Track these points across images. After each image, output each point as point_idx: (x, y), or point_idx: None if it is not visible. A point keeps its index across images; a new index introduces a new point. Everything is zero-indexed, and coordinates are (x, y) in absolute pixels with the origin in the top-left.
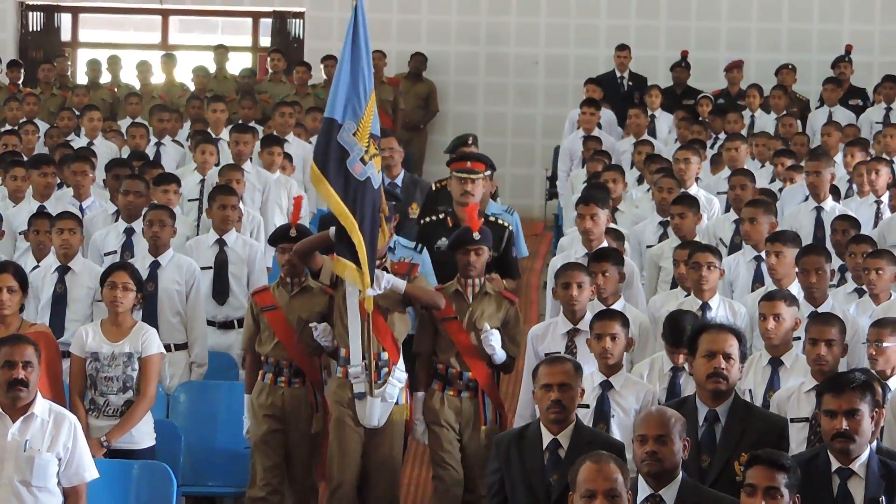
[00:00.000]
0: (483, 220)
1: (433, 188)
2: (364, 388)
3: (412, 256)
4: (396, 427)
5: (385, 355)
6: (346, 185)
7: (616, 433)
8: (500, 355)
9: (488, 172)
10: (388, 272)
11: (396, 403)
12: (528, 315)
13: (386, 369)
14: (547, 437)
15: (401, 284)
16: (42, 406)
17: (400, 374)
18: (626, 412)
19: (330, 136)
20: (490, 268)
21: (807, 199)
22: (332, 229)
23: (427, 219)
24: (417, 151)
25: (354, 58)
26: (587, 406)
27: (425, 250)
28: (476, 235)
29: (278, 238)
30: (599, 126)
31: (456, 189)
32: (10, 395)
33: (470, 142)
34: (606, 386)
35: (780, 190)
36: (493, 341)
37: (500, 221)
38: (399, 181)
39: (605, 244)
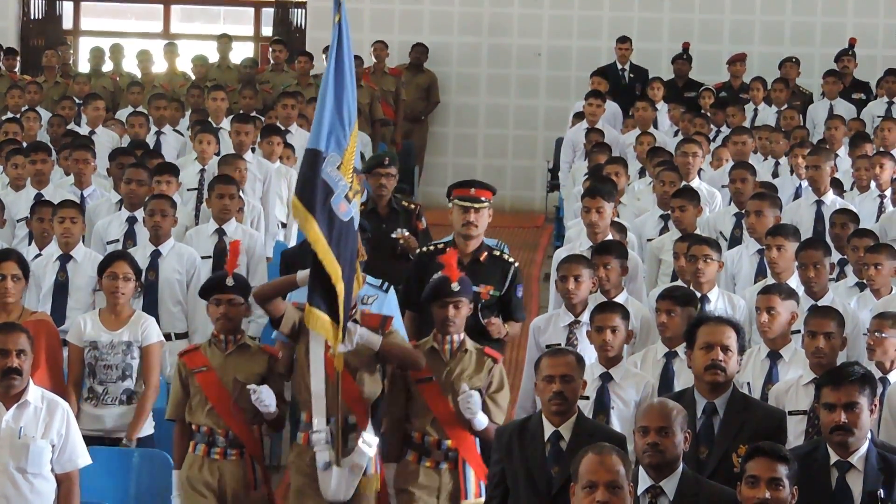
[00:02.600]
0: (487, 253)
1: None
2: (329, 457)
3: (377, 295)
4: (365, 501)
5: (353, 419)
6: (331, 227)
7: (616, 425)
8: (480, 420)
9: (489, 202)
10: (358, 324)
11: (365, 474)
12: (528, 307)
13: (354, 435)
14: (549, 429)
15: (375, 340)
16: (35, 393)
17: (370, 439)
18: (626, 404)
19: (315, 170)
20: (492, 309)
21: (797, 190)
22: (302, 273)
23: (424, 249)
24: (418, 143)
25: (338, 81)
26: (587, 398)
27: (392, 290)
28: (455, 286)
29: (212, 288)
30: None
31: (457, 219)
32: (3, 383)
33: (387, 162)
34: (606, 378)
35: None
36: (473, 404)
37: (505, 256)
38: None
39: (609, 237)
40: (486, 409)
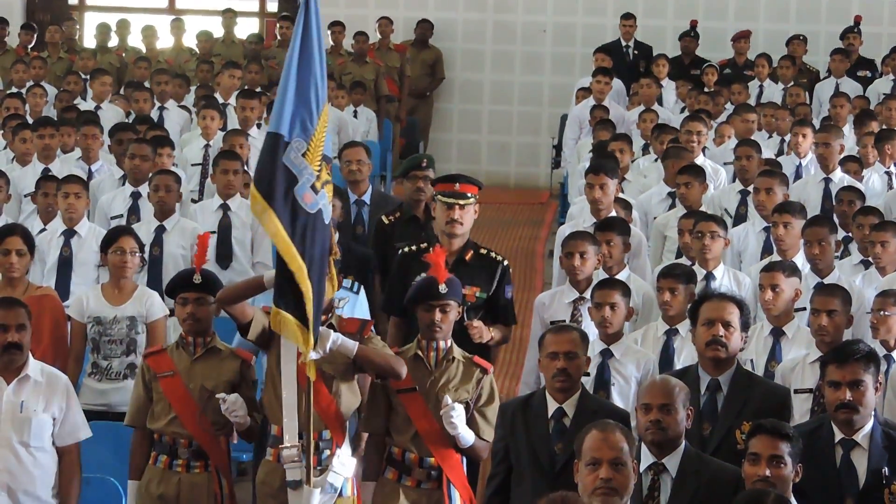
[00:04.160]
0: (473, 252)
1: (385, 221)
2: (300, 475)
3: (347, 298)
4: None
5: (327, 434)
6: (294, 219)
7: (616, 401)
8: (465, 437)
9: (476, 198)
10: (334, 329)
11: (340, 495)
12: (532, 283)
13: (328, 451)
14: (552, 406)
15: (351, 346)
16: (35, 367)
17: (345, 458)
18: (626, 380)
19: (275, 157)
20: (478, 311)
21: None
22: (269, 274)
23: (407, 248)
24: (423, 119)
25: (304, 61)
26: (587, 374)
27: (363, 291)
28: (442, 288)
29: (178, 286)
30: None
31: (441, 216)
32: (4, 358)
33: (424, 164)
34: (607, 354)
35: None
36: (456, 418)
37: (492, 255)
38: (367, 198)
39: (613, 214)
40: (473, 424)
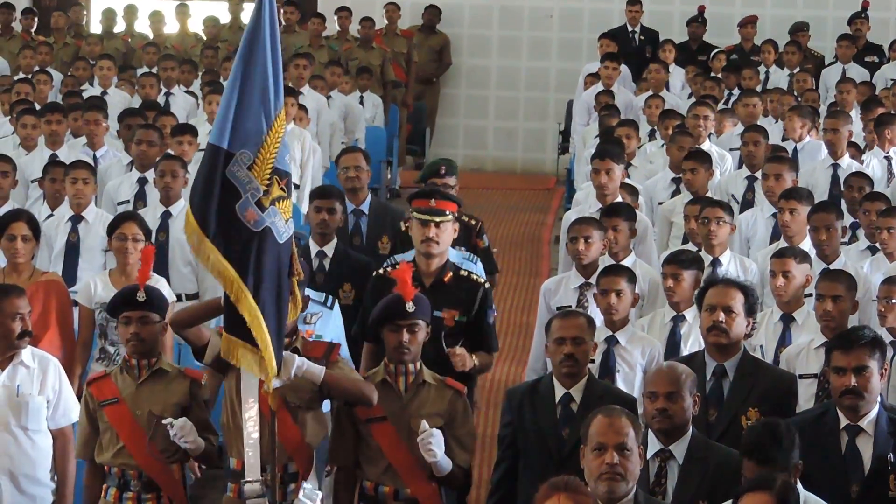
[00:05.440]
0: (453, 273)
1: (403, 227)
2: None
3: (320, 312)
4: None
5: (292, 467)
6: (232, 238)
7: (621, 388)
8: (443, 464)
9: (454, 214)
10: (299, 354)
11: None
12: (538, 269)
13: (293, 485)
14: (560, 391)
15: (317, 372)
16: (26, 352)
17: (311, 492)
18: (631, 367)
19: (213, 170)
20: (457, 337)
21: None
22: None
23: (382, 270)
24: (430, 105)
25: (253, 67)
26: (592, 361)
27: (337, 306)
28: (409, 306)
29: (121, 304)
30: None
31: (416, 234)
32: (17, 344)
33: (443, 171)
34: (612, 341)
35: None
36: (434, 445)
37: (473, 276)
38: (365, 208)
39: (619, 199)
40: (448, 450)
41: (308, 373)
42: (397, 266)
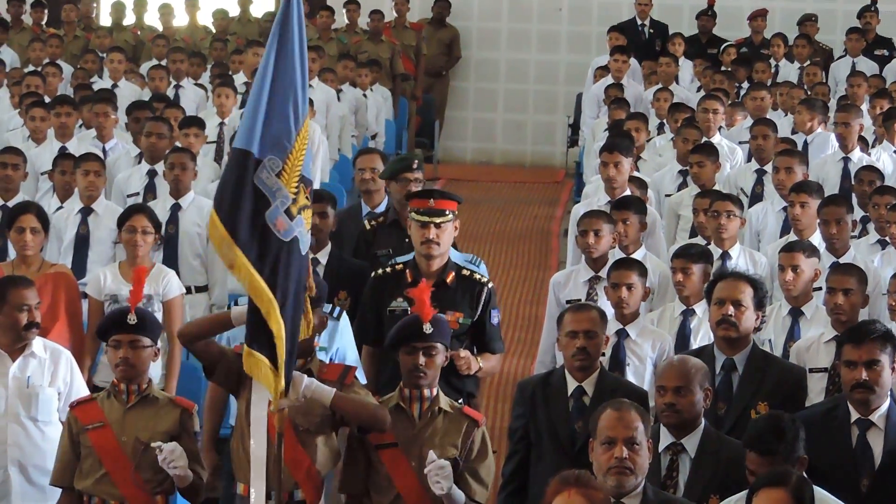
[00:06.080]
0: (455, 274)
1: (367, 226)
2: None
3: (325, 317)
4: None
5: (299, 495)
6: (264, 248)
7: (631, 381)
8: (455, 497)
9: (454, 214)
10: (313, 376)
11: None
12: (548, 262)
13: None
14: (572, 384)
15: (327, 393)
16: (37, 343)
17: None
18: (641, 360)
19: (243, 176)
20: (461, 339)
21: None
22: (238, 310)
23: (381, 270)
24: (439, 98)
25: (282, 65)
26: (603, 354)
27: (345, 317)
28: (427, 328)
29: (110, 327)
30: None
31: (416, 236)
32: (25, 335)
33: (415, 166)
34: (622, 334)
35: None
36: (443, 478)
37: (476, 276)
38: (382, 209)
39: (627, 192)
40: (464, 484)
41: (317, 394)
42: (397, 267)
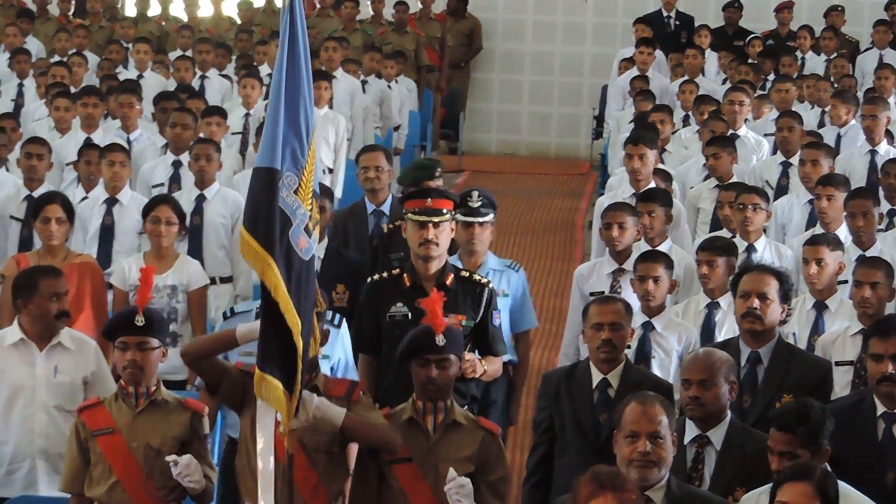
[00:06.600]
0: (455, 276)
1: (385, 230)
2: None
3: (327, 332)
4: None
5: None
6: (290, 268)
7: (657, 374)
8: None
9: (451, 214)
10: (319, 392)
11: None
12: (572, 254)
13: None
14: (597, 377)
15: (336, 414)
16: (64, 334)
17: None
18: (667, 353)
19: (271, 195)
20: (465, 342)
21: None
22: (244, 328)
23: (377, 276)
24: (460, 88)
25: (294, 79)
26: (628, 347)
27: (345, 326)
28: (440, 339)
29: (118, 329)
30: None
31: (413, 236)
32: (56, 325)
33: (437, 174)
34: (648, 327)
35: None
36: (463, 496)
37: (476, 277)
38: (386, 208)
39: (652, 184)
40: (480, 499)
41: (326, 414)
42: (394, 271)
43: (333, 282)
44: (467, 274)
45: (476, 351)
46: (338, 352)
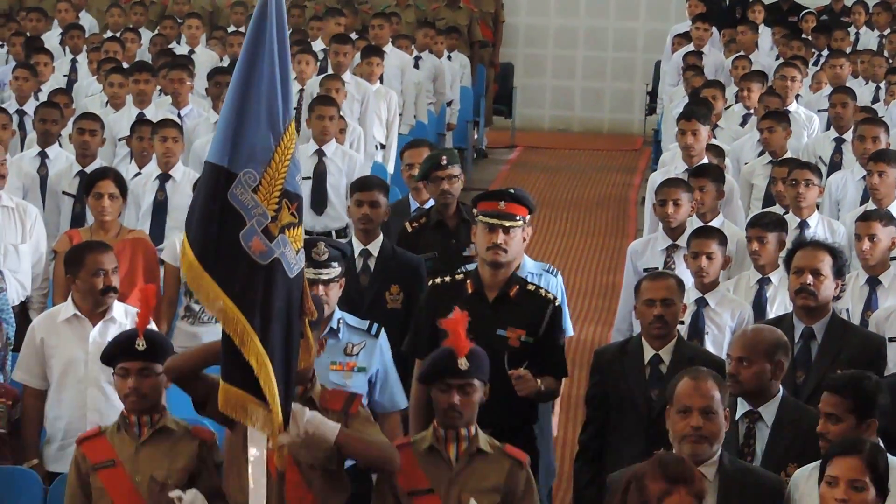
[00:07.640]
0: (520, 288)
1: (408, 228)
2: None
3: (363, 342)
4: None
5: None
6: (235, 272)
7: (710, 350)
8: None
9: (525, 220)
10: (314, 405)
11: None
12: (625, 230)
13: None
14: (649, 352)
15: (330, 430)
16: (118, 309)
17: None
18: (720, 329)
19: (213, 193)
20: (522, 358)
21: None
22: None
23: (439, 280)
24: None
25: (257, 71)
26: (682, 322)
27: (383, 335)
28: (463, 363)
29: (117, 354)
30: None
31: (481, 241)
32: (103, 300)
33: (444, 161)
34: (702, 303)
35: None
36: None
37: (541, 292)
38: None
39: (705, 160)
40: None
41: (319, 429)
42: (457, 276)
43: (387, 282)
44: (533, 287)
45: (536, 370)
46: (375, 363)
